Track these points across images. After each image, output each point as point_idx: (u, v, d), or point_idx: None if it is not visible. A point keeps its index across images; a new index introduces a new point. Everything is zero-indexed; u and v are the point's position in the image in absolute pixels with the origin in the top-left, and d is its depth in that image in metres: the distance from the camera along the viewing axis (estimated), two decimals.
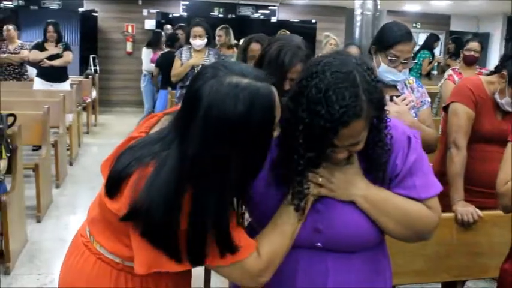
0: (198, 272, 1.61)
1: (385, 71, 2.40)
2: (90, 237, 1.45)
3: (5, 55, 7.34)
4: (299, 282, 1.44)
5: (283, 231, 1.37)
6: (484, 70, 4.65)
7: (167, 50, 7.39)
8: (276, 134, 1.30)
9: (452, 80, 4.47)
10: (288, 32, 7.19)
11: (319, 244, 1.41)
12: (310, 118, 1.25)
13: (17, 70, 7.50)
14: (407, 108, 2.33)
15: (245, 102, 1.18)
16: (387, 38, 2.42)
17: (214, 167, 1.21)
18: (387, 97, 1.76)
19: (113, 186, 1.31)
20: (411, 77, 2.60)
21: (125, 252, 1.35)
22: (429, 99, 2.59)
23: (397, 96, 2.38)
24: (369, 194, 1.39)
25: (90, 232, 1.46)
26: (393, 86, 2.47)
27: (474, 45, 4.71)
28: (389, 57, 2.39)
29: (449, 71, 4.64)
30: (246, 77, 1.22)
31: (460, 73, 4.52)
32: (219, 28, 6.59)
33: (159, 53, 7.90)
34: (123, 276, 1.41)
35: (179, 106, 1.35)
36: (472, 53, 4.65)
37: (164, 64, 6.91)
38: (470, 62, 4.68)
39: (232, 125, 1.18)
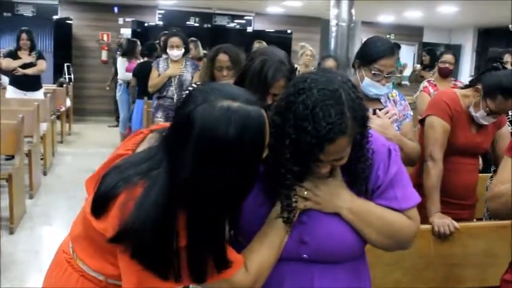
0: None
1: (368, 84, 2.43)
2: (73, 254, 1.44)
3: None
4: None
5: (270, 244, 1.39)
6: (458, 83, 4.74)
7: (145, 59, 7.35)
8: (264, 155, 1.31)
9: (427, 91, 4.54)
10: (264, 43, 7.24)
11: (305, 256, 1.43)
12: (297, 134, 1.28)
13: None
14: (390, 121, 2.36)
15: (237, 126, 1.19)
16: (371, 53, 2.45)
17: (207, 189, 1.21)
18: (370, 110, 1.79)
19: (100, 206, 1.30)
20: (394, 90, 2.64)
21: (109, 270, 1.34)
22: (411, 113, 2.63)
23: (380, 110, 2.41)
24: (354, 206, 1.42)
25: (73, 249, 1.44)
26: (376, 99, 2.51)
27: (449, 57, 4.79)
28: (373, 72, 2.42)
29: (425, 83, 4.71)
30: (236, 101, 1.23)
31: (435, 85, 4.60)
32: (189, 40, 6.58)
33: (135, 62, 7.86)
34: None
35: (165, 124, 1.35)
36: (447, 65, 4.73)
37: (141, 74, 6.87)
38: (445, 74, 4.76)
39: (224, 148, 1.19)
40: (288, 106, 1.31)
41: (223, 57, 3.53)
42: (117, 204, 1.25)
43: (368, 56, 2.46)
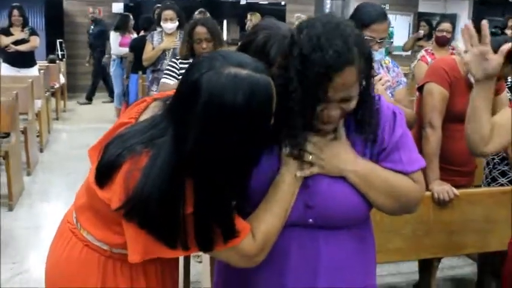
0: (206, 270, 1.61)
1: None
2: (77, 224, 1.44)
3: None
4: (293, 260, 1.45)
5: (276, 211, 1.38)
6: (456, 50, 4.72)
7: (142, 34, 7.26)
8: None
9: (425, 60, 4.53)
10: (257, 14, 7.17)
11: (310, 220, 1.42)
12: (304, 66, 1.25)
13: None
14: (383, 88, 2.35)
15: (245, 93, 1.18)
16: (362, 18, 2.43)
17: (215, 156, 1.21)
18: None
19: (104, 175, 1.29)
20: (387, 58, 2.63)
21: (113, 239, 1.34)
22: (405, 79, 2.62)
23: (373, 76, 2.39)
24: (359, 169, 1.40)
25: (77, 219, 1.44)
26: None
27: (446, 26, 4.77)
28: (366, 37, 2.40)
29: (422, 52, 4.70)
30: (244, 68, 1.22)
31: (433, 54, 4.58)
32: (196, 12, 6.47)
33: (129, 36, 7.77)
34: (111, 264, 1.40)
35: (168, 92, 1.33)
36: (444, 33, 4.72)
37: (138, 48, 6.80)
38: (442, 43, 4.74)
39: (231, 115, 1.18)
40: (292, 44, 1.29)
41: (201, 30, 3.51)
42: (121, 174, 1.24)
43: (359, 22, 2.43)
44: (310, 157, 1.39)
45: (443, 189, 2.52)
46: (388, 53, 8.45)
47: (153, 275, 1.45)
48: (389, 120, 1.45)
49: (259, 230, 1.36)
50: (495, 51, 1.69)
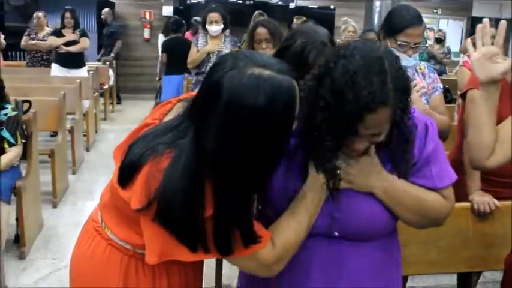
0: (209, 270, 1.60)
1: None
2: (101, 223, 1.45)
3: (34, 41, 7.41)
4: (314, 271, 1.43)
5: (298, 223, 1.36)
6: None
7: (173, 35, 7.36)
8: (294, 127, 1.27)
9: (467, 66, 4.37)
10: (303, 17, 7.10)
11: (336, 233, 1.40)
12: (335, 101, 1.21)
13: (45, 57, 7.59)
14: (419, 95, 2.28)
15: (266, 95, 1.16)
16: (396, 23, 2.36)
17: (235, 157, 1.19)
18: None
19: (126, 175, 1.30)
20: (422, 63, 2.54)
21: (135, 239, 1.34)
22: (441, 85, 2.53)
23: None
24: (387, 186, 1.37)
25: (101, 217, 1.46)
26: None
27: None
28: (399, 42, 2.33)
29: (465, 57, 4.54)
30: (268, 69, 1.19)
31: None
32: (256, 13, 6.46)
33: None
34: (133, 263, 1.41)
35: (194, 93, 1.33)
36: None
37: (170, 49, 6.93)
38: None
39: (252, 117, 1.16)
40: (327, 71, 1.25)
41: (262, 30, 3.54)
42: (142, 175, 1.24)
43: (393, 26, 2.37)
44: (339, 171, 1.35)
45: (483, 200, 2.42)
46: (433, 57, 8.23)
47: (176, 276, 1.45)
48: (420, 136, 1.40)
49: (280, 239, 1.34)
50: None
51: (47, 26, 7.73)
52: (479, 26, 1.62)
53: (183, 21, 7.48)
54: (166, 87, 7.08)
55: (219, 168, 1.20)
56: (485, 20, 1.60)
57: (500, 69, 1.58)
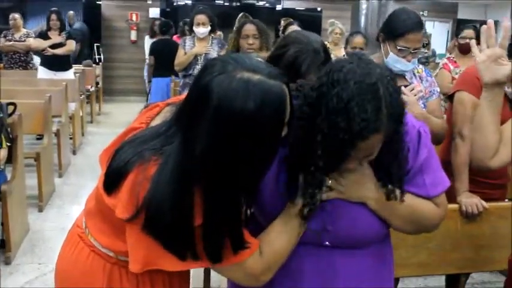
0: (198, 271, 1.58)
1: (393, 60, 2.34)
2: (85, 229, 1.43)
3: (11, 43, 7.33)
4: (306, 279, 1.42)
5: (287, 230, 1.34)
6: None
7: (160, 37, 7.34)
8: (284, 133, 1.25)
9: (447, 68, 4.40)
10: (291, 19, 7.09)
11: (327, 243, 1.39)
12: (329, 129, 1.18)
13: (22, 58, 7.49)
14: (416, 98, 2.27)
15: (256, 99, 1.14)
16: (396, 27, 2.35)
17: (223, 163, 1.17)
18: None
19: (112, 182, 1.28)
20: (420, 66, 2.54)
21: (119, 246, 1.32)
22: (438, 89, 2.54)
23: (406, 86, 2.31)
24: (380, 196, 1.35)
25: (86, 224, 1.43)
26: (401, 76, 2.41)
27: (469, 32, 4.53)
28: (399, 47, 2.32)
29: (444, 60, 4.56)
30: (257, 73, 1.17)
31: (455, 61, 4.42)
32: (239, 16, 6.45)
33: None
34: (117, 270, 1.39)
35: (182, 96, 1.31)
36: (467, 40, 4.53)
37: (157, 51, 6.91)
38: (465, 50, 4.52)
39: (242, 122, 1.14)
40: (321, 98, 1.21)
41: (250, 27, 3.57)
42: (128, 182, 1.22)
43: (393, 31, 2.36)
44: (330, 181, 1.33)
45: (472, 201, 2.42)
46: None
47: (160, 284, 1.42)
48: (413, 142, 1.38)
49: (268, 248, 1.33)
50: None
51: (23, 27, 7.63)
52: (484, 27, 1.62)
53: (172, 23, 7.46)
54: (155, 90, 7.06)
55: (208, 172, 1.18)
56: (490, 22, 1.59)
57: (505, 71, 1.58)
